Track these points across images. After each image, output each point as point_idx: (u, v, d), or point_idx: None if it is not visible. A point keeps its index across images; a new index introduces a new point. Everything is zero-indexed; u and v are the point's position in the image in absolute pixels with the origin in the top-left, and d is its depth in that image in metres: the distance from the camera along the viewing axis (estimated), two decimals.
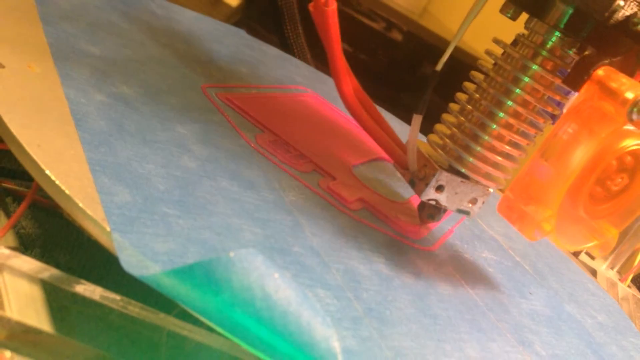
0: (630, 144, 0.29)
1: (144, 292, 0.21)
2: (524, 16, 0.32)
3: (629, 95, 0.28)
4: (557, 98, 0.32)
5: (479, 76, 0.34)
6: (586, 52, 0.31)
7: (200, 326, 0.22)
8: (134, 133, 0.29)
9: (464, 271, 0.35)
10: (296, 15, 0.60)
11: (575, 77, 0.30)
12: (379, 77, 0.84)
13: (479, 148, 0.33)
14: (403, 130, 0.38)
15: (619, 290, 0.51)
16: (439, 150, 0.33)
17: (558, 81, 0.31)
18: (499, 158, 0.33)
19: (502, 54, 0.33)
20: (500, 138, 0.33)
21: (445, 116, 0.34)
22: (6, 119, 0.25)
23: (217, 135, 0.33)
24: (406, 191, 0.40)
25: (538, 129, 0.33)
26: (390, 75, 0.86)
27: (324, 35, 0.34)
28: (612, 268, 0.54)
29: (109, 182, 0.25)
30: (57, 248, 0.28)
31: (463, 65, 0.38)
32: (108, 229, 0.22)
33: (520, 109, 0.32)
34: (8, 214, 0.28)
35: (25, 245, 0.27)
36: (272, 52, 0.53)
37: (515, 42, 0.33)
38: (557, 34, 0.31)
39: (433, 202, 0.33)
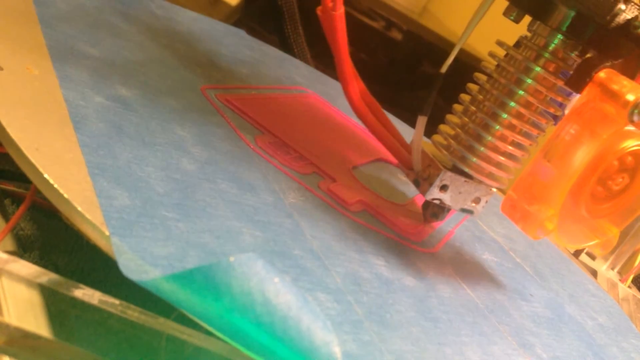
0: (631, 144, 0.30)
1: (144, 293, 0.21)
2: (527, 19, 0.33)
3: (630, 97, 0.28)
4: (559, 99, 0.32)
5: (482, 77, 0.34)
6: (588, 55, 0.31)
7: (199, 330, 0.22)
8: (133, 135, 0.29)
9: (464, 273, 0.35)
10: (296, 15, 0.60)
11: (578, 79, 0.30)
12: (379, 76, 0.84)
13: (482, 148, 0.33)
14: (402, 130, 0.38)
15: (619, 290, 0.51)
16: (443, 151, 0.34)
17: (560, 83, 0.32)
18: (502, 158, 0.33)
19: (505, 55, 0.33)
20: (503, 138, 0.33)
21: (449, 117, 0.35)
22: (4, 122, 0.25)
23: (216, 137, 0.33)
24: (407, 193, 0.40)
25: (540, 130, 0.33)
26: (390, 74, 0.85)
27: (331, 38, 0.34)
28: (612, 269, 0.54)
29: (107, 185, 0.24)
30: (56, 250, 0.28)
31: (466, 66, 0.38)
32: (107, 233, 0.22)
33: (523, 110, 0.32)
34: (7, 216, 0.28)
35: (24, 248, 0.27)
36: (272, 53, 0.53)
37: (518, 44, 0.33)
38: (560, 36, 0.31)
39: (437, 202, 0.34)
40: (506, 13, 0.32)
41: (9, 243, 0.26)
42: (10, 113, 0.25)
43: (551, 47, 0.32)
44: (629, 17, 0.29)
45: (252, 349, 0.20)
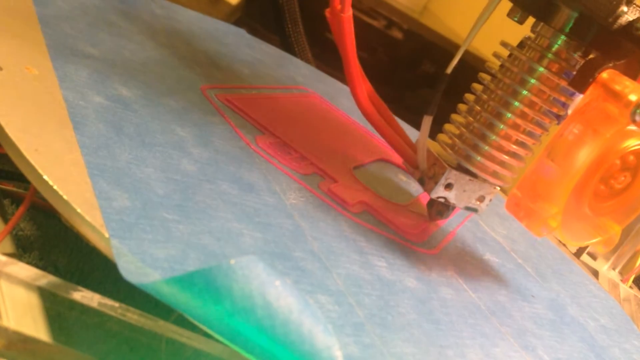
0: (633, 143, 0.31)
1: (144, 295, 0.21)
2: (531, 20, 0.33)
3: (632, 97, 0.29)
4: (563, 99, 0.33)
5: (486, 78, 0.34)
6: (591, 56, 0.32)
7: (199, 333, 0.22)
8: (133, 136, 0.29)
9: (466, 274, 0.35)
10: (297, 14, 0.60)
11: (581, 80, 0.31)
12: (379, 75, 0.84)
13: (486, 147, 0.34)
14: (403, 129, 0.37)
15: (620, 291, 0.51)
16: (448, 150, 0.34)
17: (563, 83, 0.32)
18: (506, 157, 0.34)
19: (509, 56, 0.34)
20: (507, 137, 0.34)
21: (454, 116, 0.35)
22: (3, 122, 0.24)
23: (217, 138, 0.33)
24: (408, 193, 0.40)
25: (544, 129, 0.34)
26: (391, 73, 0.85)
27: (339, 40, 0.35)
28: (614, 269, 0.54)
29: (107, 186, 0.24)
30: (55, 251, 0.27)
31: (467, 67, 0.38)
32: (107, 235, 0.22)
33: (526, 110, 0.33)
34: (6, 216, 0.27)
35: (23, 248, 0.27)
36: (272, 52, 0.53)
37: (522, 45, 0.33)
38: (563, 37, 0.32)
39: (442, 200, 0.34)
40: (510, 14, 0.33)
41: (8, 244, 0.26)
42: (9, 113, 0.25)
43: (554, 48, 0.32)
44: (630, 18, 0.29)
45: (253, 352, 0.20)
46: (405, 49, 0.85)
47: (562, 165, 0.31)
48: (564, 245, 0.51)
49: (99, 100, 0.30)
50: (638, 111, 0.29)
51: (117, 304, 0.22)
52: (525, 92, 0.33)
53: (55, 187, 0.23)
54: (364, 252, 0.30)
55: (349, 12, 0.34)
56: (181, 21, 0.47)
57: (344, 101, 0.50)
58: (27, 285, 0.21)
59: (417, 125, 0.47)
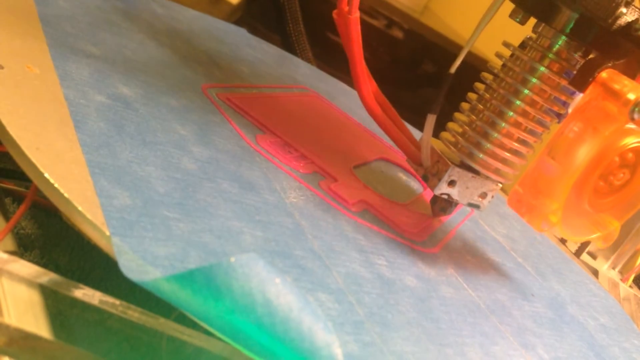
0: (631, 141, 0.31)
1: (145, 293, 0.21)
2: (532, 21, 0.34)
3: (631, 96, 0.30)
4: (563, 98, 0.33)
5: (489, 77, 0.35)
6: (591, 56, 0.32)
7: (199, 331, 0.22)
8: (133, 134, 0.29)
9: (466, 273, 0.35)
10: (298, 13, 0.60)
11: (581, 79, 0.31)
12: (380, 74, 0.84)
13: (489, 145, 0.34)
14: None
15: (620, 290, 0.51)
16: (451, 147, 0.35)
17: (564, 82, 0.33)
18: (508, 154, 0.34)
19: (511, 56, 0.34)
20: (509, 135, 0.34)
21: (457, 115, 0.36)
22: (4, 121, 0.24)
23: (217, 137, 0.33)
24: (408, 192, 0.40)
25: (545, 127, 0.34)
26: (391, 73, 0.85)
27: (346, 41, 0.35)
28: (613, 268, 0.54)
29: (108, 185, 0.24)
30: (56, 249, 0.28)
31: (470, 67, 0.38)
32: (107, 233, 0.22)
33: (528, 108, 0.33)
34: (7, 215, 0.28)
35: (24, 246, 0.27)
36: (273, 51, 0.53)
37: (523, 45, 0.34)
38: (564, 38, 0.33)
39: (445, 196, 0.35)
40: (512, 15, 0.34)
41: (9, 242, 0.26)
42: (10, 112, 0.25)
43: (555, 48, 0.33)
44: (629, 19, 0.30)
45: (253, 350, 0.20)
46: (406, 48, 0.85)
47: (563, 162, 0.32)
48: (564, 244, 0.51)
49: (100, 99, 0.30)
50: (636, 109, 0.29)
51: (117, 302, 0.22)
52: (526, 91, 0.33)
53: (56, 185, 0.23)
54: (364, 250, 0.31)
55: (356, 14, 0.35)
56: (182, 20, 0.47)
57: (344, 100, 0.50)
58: (29, 282, 0.21)
59: (417, 125, 0.47)
